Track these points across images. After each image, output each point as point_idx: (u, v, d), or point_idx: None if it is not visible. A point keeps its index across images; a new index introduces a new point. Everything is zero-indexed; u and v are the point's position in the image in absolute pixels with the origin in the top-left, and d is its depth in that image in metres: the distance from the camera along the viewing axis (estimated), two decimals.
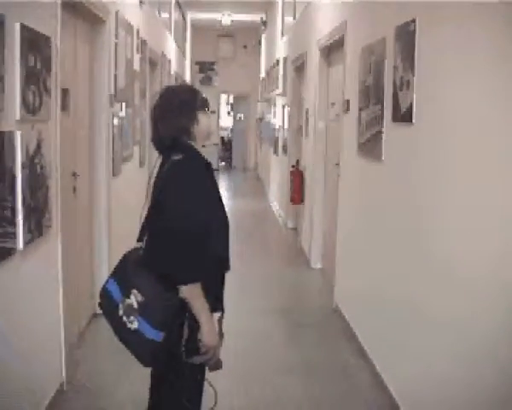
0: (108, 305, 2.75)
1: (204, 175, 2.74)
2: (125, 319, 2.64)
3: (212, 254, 2.70)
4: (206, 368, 2.84)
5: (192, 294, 2.61)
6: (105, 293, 2.79)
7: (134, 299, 2.62)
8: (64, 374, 4.31)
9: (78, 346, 5.04)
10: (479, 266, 3.04)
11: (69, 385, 4.34)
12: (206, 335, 2.64)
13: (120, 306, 2.66)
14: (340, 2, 6.41)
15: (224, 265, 2.85)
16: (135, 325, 2.61)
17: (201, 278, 2.61)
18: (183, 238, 2.57)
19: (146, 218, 2.83)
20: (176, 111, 2.78)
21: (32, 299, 3.71)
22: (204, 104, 2.87)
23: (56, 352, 4.23)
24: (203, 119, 2.84)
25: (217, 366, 2.77)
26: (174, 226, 2.59)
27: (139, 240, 2.85)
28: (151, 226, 2.78)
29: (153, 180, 2.84)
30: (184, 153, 2.72)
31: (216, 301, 2.76)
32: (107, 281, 2.81)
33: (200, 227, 2.61)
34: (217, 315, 2.75)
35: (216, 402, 2.85)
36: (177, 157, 2.69)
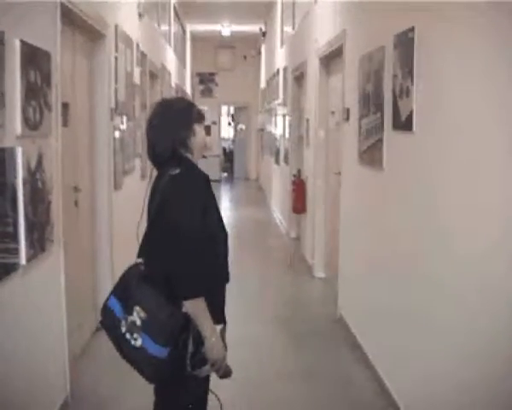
0: (110, 322, 2.74)
1: (202, 188, 2.73)
2: (128, 336, 2.62)
3: (212, 267, 2.70)
4: (211, 379, 2.85)
5: (195, 308, 2.61)
6: (106, 310, 2.77)
7: (137, 316, 2.61)
8: (68, 387, 4.30)
9: (81, 359, 5.03)
10: (480, 270, 3.03)
11: (73, 399, 4.34)
12: (211, 349, 2.63)
13: (123, 323, 2.65)
14: (339, 11, 6.43)
15: (224, 277, 2.86)
16: (139, 343, 2.60)
17: (204, 292, 2.60)
18: (184, 253, 2.57)
19: (145, 233, 2.83)
20: (173, 123, 2.78)
21: (35, 313, 3.71)
22: (200, 116, 2.87)
23: (60, 365, 4.23)
24: (199, 130, 2.84)
25: (226, 374, 2.76)
26: (174, 242, 2.59)
27: (139, 256, 2.85)
28: (151, 242, 2.78)
29: (149, 194, 2.83)
30: (181, 166, 2.71)
31: (218, 314, 2.75)
32: (108, 298, 2.79)
33: (200, 242, 2.60)
34: (219, 327, 2.74)
35: None
36: (174, 171, 2.68)
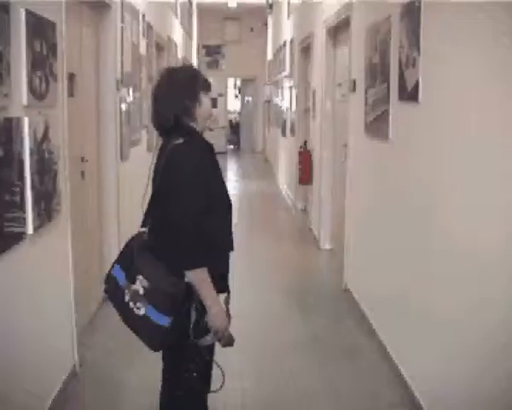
0: (114, 291, 2.76)
1: (205, 158, 2.71)
2: (131, 305, 2.65)
3: (214, 237, 2.70)
4: (216, 347, 2.88)
5: (197, 278, 2.61)
6: (110, 279, 2.80)
7: (140, 285, 2.63)
8: (76, 357, 4.35)
9: (89, 329, 5.08)
10: (492, 244, 3.02)
11: (82, 367, 4.39)
12: (214, 318, 2.65)
13: (126, 292, 2.67)
14: None
15: (228, 246, 2.86)
16: (142, 311, 2.62)
17: (206, 263, 2.61)
18: (185, 225, 2.57)
19: (149, 203, 2.84)
20: (178, 91, 2.75)
21: (42, 283, 3.74)
22: (206, 85, 2.85)
23: (68, 335, 4.27)
24: (205, 100, 2.82)
25: (229, 342, 2.78)
26: (176, 214, 2.59)
27: (143, 225, 2.86)
28: (154, 212, 2.79)
29: (153, 164, 2.84)
30: (185, 136, 2.70)
31: (221, 283, 2.77)
32: (112, 267, 2.82)
33: (201, 213, 2.60)
34: (223, 296, 2.76)
35: (223, 383, 2.87)
36: (177, 141, 2.67)
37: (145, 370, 4.33)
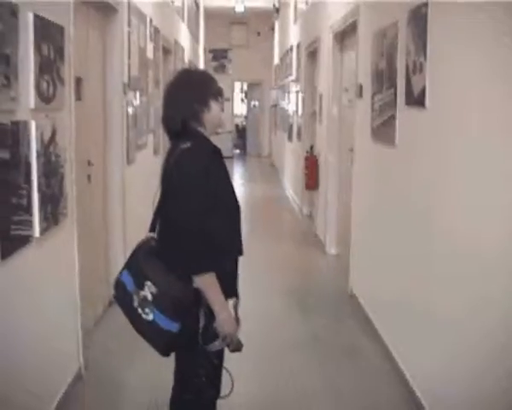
0: (123, 297, 2.75)
1: (212, 163, 2.69)
2: (140, 310, 2.64)
3: (222, 242, 2.69)
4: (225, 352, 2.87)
5: (205, 283, 2.60)
6: (119, 285, 2.79)
7: (148, 291, 2.62)
8: (82, 359, 4.35)
9: (94, 332, 5.08)
10: (494, 244, 3.01)
11: (87, 370, 4.39)
12: (222, 323, 2.64)
13: (135, 297, 2.66)
14: None
15: (237, 250, 2.84)
16: (150, 317, 2.61)
17: (213, 268, 2.60)
18: (191, 231, 2.56)
19: (157, 207, 2.84)
20: (187, 95, 2.75)
21: (48, 286, 3.74)
22: (217, 92, 2.83)
23: (74, 337, 4.27)
24: (215, 107, 2.80)
25: (237, 347, 2.77)
26: (181, 216, 2.58)
27: (151, 230, 2.86)
28: (161, 217, 2.79)
29: (162, 167, 2.83)
30: (192, 140, 2.69)
31: (230, 288, 2.75)
32: (120, 273, 2.81)
33: (207, 218, 2.59)
34: (231, 301, 2.74)
35: (232, 389, 2.86)
36: (185, 145, 2.66)
37: (152, 372, 4.33)
